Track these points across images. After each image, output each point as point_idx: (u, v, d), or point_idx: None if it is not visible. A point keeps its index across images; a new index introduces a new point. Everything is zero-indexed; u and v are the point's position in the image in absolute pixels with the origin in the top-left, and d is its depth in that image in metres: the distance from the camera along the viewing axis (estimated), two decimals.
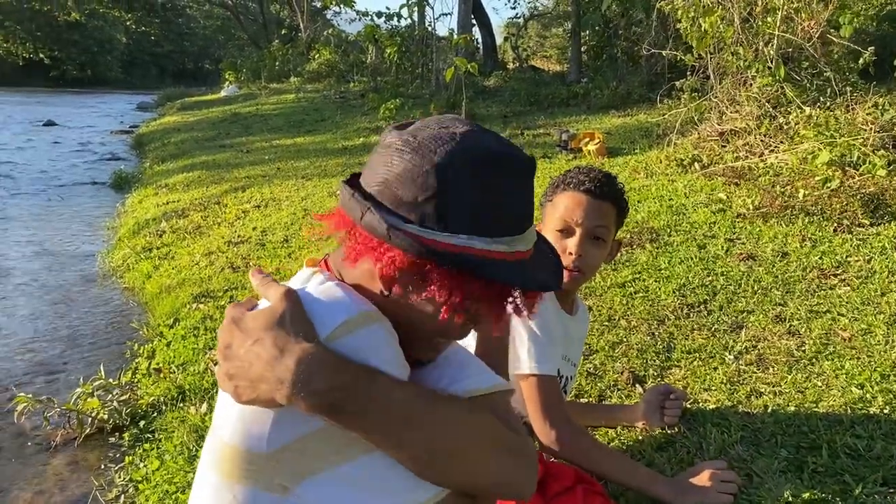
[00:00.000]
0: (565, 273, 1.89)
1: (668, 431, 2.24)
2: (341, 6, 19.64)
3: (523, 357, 1.84)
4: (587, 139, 6.52)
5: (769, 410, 2.34)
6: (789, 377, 2.53)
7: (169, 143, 12.28)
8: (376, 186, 0.97)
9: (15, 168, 11.05)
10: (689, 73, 6.58)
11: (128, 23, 50.34)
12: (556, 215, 1.90)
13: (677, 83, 6.61)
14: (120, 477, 2.80)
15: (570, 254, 1.88)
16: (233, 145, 10.88)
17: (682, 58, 6.56)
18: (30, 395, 3.14)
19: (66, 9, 44.45)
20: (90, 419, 3.15)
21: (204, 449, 1.09)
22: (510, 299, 0.97)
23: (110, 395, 3.27)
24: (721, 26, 5.81)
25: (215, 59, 47.79)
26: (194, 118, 15.90)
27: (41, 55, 45.86)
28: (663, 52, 7.08)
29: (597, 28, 10.86)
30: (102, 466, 2.93)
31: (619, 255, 2.92)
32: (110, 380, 3.38)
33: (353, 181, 1.03)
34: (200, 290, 4.54)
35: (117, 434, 3.13)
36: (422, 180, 0.92)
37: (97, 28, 46.79)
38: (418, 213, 0.93)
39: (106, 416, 3.17)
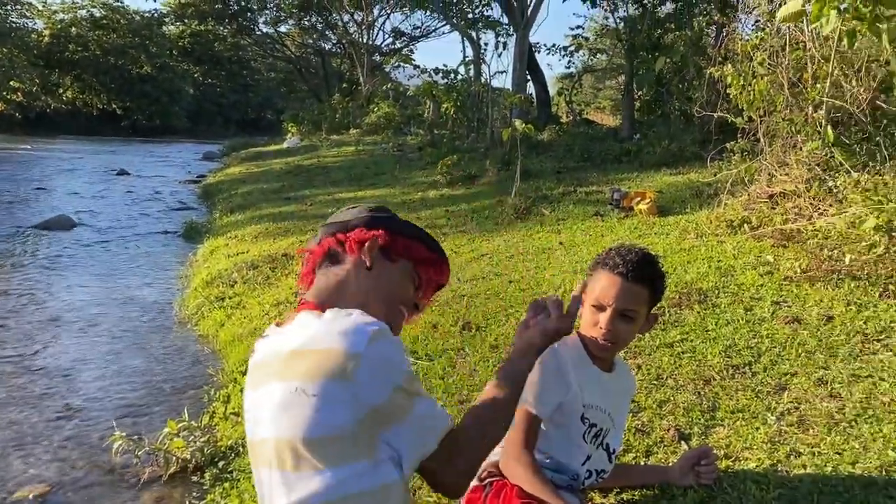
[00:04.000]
0: (597, 343, 2.13)
1: (712, 487, 2.41)
2: (400, 62, 20.35)
3: (524, 390, 2.06)
4: (638, 198, 6.72)
5: (808, 470, 2.49)
6: (828, 439, 2.68)
7: (236, 194, 12.87)
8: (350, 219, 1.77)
9: (93, 216, 11.73)
10: (739, 134, 6.75)
11: (195, 75, 52.63)
12: (593, 292, 2.13)
13: (728, 145, 6.79)
14: None
15: (601, 328, 2.11)
16: (297, 198, 11.37)
17: (733, 120, 6.75)
18: (124, 434, 3.46)
19: (140, 62, 46.84)
20: (175, 458, 3.44)
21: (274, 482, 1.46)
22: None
23: (192, 437, 3.57)
24: (771, 91, 6.00)
25: (277, 110, 49.53)
26: (259, 169, 16.58)
27: (114, 106, 48.22)
28: (714, 115, 7.27)
29: (650, 86, 11.10)
30: (186, 503, 3.21)
31: (657, 324, 3.10)
32: (192, 422, 3.68)
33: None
34: None
35: (199, 473, 3.41)
36: (384, 219, 1.73)
37: (167, 80, 49.02)
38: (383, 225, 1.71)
39: (188, 456, 3.47)
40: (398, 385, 1.41)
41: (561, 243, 6.03)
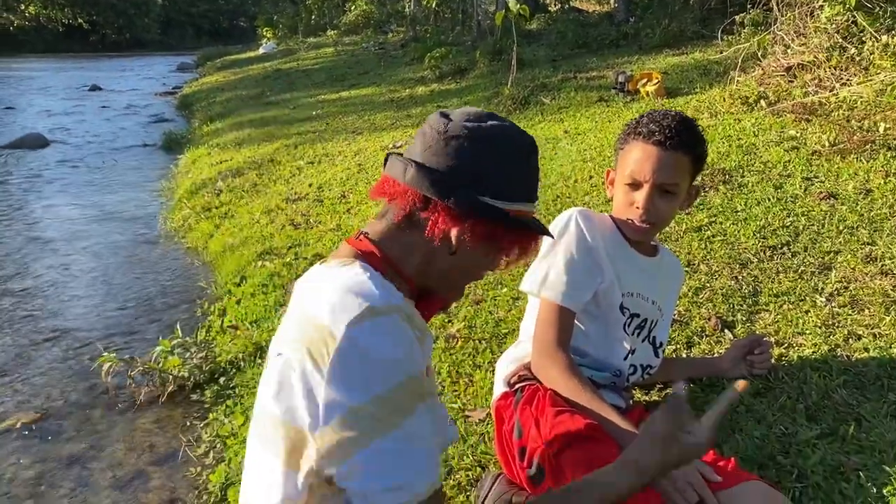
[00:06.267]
0: (634, 225, 1.83)
1: (768, 377, 2.17)
2: None
3: (553, 281, 1.82)
4: (644, 80, 6.32)
5: (870, 353, 2.25)
6: (888, 319, 2.44)
7: (215, 102, 12.32)
8: (447, 171, 1.17)
9: (67, 133, 11.22)
10: (748, 5, 6.30)
11: None
12: (626, 169, 1.81)
13: (738, 17, 6.35)
14: (207, 433, 2.86)
15: (637, 208, 1.81)
16: (278, 102, 10.87)
17: None
18: (113, 355, 3.20)
19: None
20: (171, 377, 3.20)
21: None
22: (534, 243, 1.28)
23: (188, 353, 3.31)
24: None
25: (250, 16, 47.65)
26: (236, 77, 15.91)
27: (80, 20, 46.22)
28: None
29: None
30: (188, 423, 2.99)
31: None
32: (187, 338, 3.42)
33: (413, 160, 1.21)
34: (264, 248, 4.57)
35: (199, 391, 3.18)
36: (491, 167, 1.18)
37: None
38: (486, 189, 1.17)
39: (186, 374, 3.22)
40: (363, 402, 1.02)
41: (566, 132, 5.68)
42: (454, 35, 13.43)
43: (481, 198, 1.16)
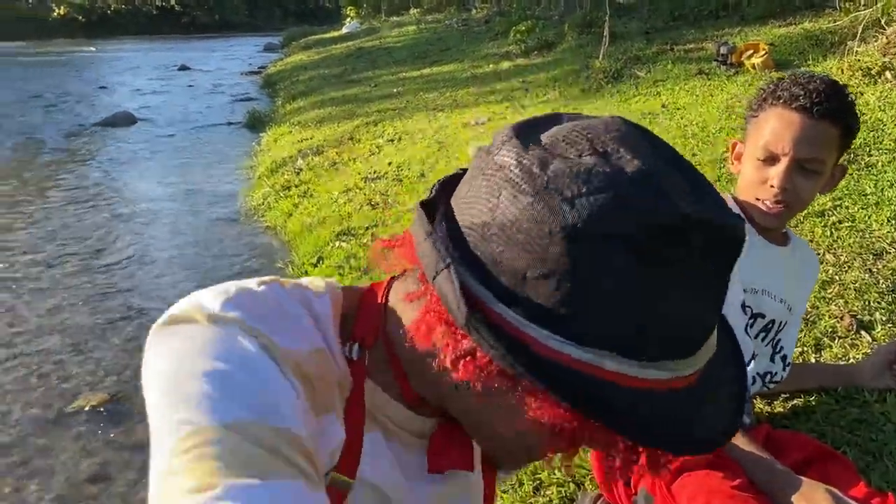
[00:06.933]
0: (765, 206, 1.52)
1: None
2: None
3: None
4: (750, 52, 5.83)
5: None
6: None
7: (298, 80, 12.32)
8: (470, 228, 0.54)
9: (154, 111, 11.41)
10: None
11: None
12: (759, 140, 1.49)
13: None
14: None
15: (772, 186, 1.48)
16: (360, 80, 10.75)
17: None
18: None
19: None
20: None
21: None
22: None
23: None
24: None
25: None
26: (320, 56, 15.92)
27: (172, 3, 47.66)
28: None
29: None
30: None
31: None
32: None
33: (437, 200, 0.61)
34: (341, 228, 4.40)
35: None
36: (543, 246, 0.50)
37: None
38: (526, 297, 0.51)
39: None
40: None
41: (663, 106, 5.29)
42: (541, 9, 13.03)
43: (527, 326, 0.52)
